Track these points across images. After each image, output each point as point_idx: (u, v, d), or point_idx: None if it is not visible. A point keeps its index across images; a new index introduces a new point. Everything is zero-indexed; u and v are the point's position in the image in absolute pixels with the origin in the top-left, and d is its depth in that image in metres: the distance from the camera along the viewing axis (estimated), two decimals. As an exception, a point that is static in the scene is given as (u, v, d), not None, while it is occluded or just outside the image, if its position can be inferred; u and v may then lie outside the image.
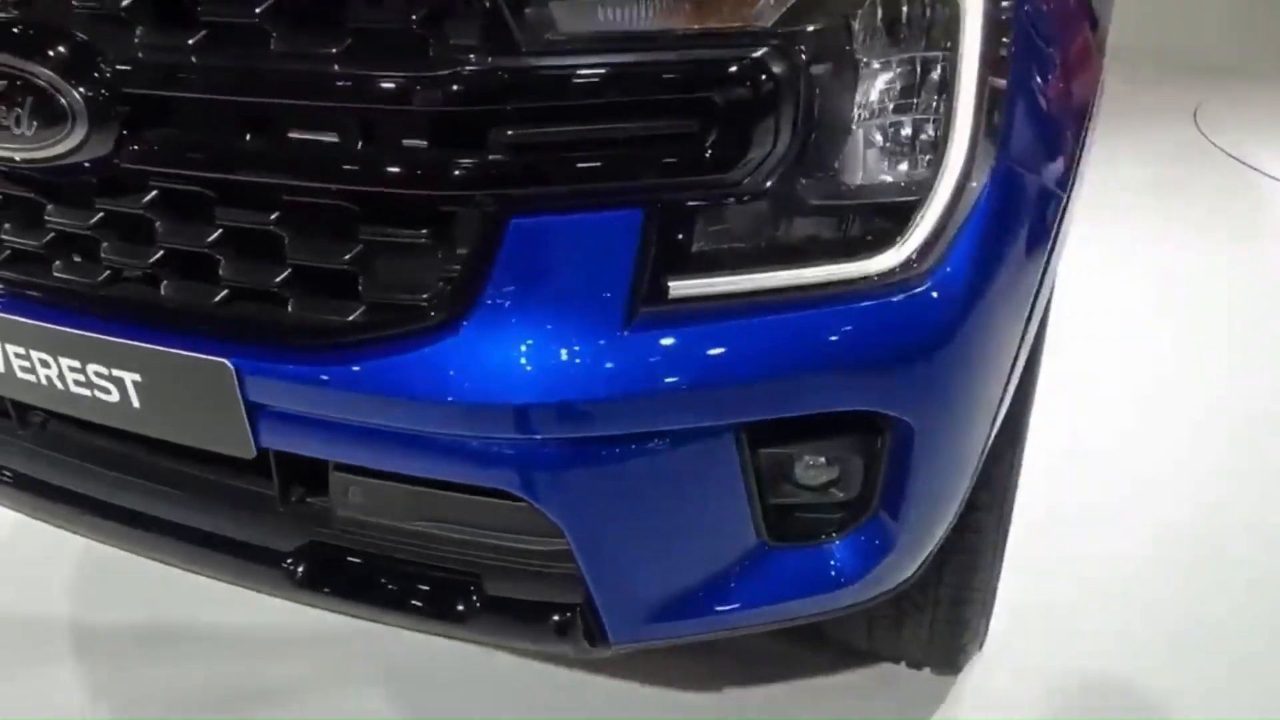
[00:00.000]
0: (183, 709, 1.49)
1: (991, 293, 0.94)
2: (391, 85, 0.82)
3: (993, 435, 1.06)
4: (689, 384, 0.88)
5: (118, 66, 0.89)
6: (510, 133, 0.81)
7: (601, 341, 0.87)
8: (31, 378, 1.03)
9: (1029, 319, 1.04)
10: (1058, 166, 1.01)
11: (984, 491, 1.21)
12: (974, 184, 0.90)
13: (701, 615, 1.01)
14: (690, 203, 0.86)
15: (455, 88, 0.80)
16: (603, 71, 0.81)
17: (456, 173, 0.82)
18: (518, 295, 0.86)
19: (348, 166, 0.86)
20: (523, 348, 0.87)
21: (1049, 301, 1.17)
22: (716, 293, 0.89)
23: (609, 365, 0.87)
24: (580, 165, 0.83)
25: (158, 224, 0.94)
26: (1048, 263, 1.04)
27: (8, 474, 1.17)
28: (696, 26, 0.82)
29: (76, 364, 0.99)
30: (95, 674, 1.57)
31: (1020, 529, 1.43)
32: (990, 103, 0.89)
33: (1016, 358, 1.04)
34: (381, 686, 1.52)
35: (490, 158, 0.82)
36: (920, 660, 1.48)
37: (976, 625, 1.37)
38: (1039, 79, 0.95)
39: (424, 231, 0.88)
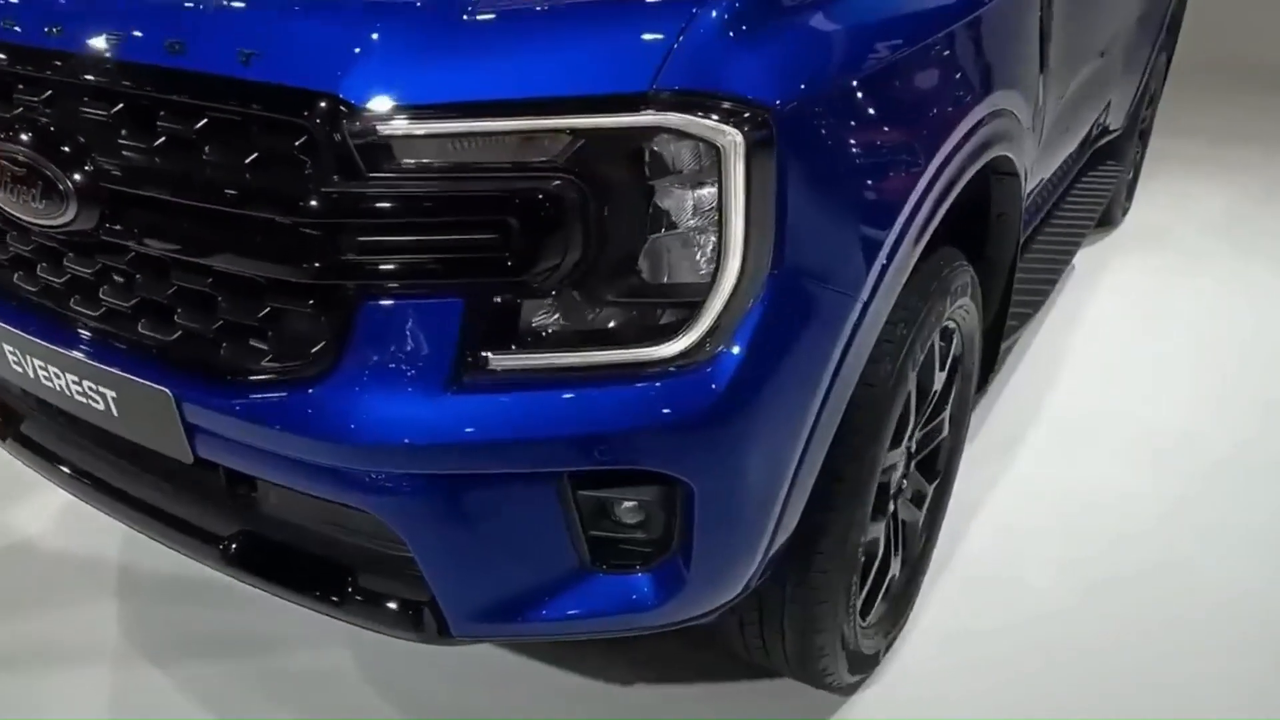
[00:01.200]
0: (199, 649, 1.84)
1: (767, 378, 1.12)
2: (277, 197, 1.07)
3: (789, 495, 1.23)
4: (500, 438, 1.11)
5: (99, 164, 1.18)
6: (357, 238, 1.05)
7: (428, 400, 1.10)
8: (49, 385, 1.35)
9: (827, 394, 1.20)
10: (846, 272, 1.17)
11: (824, 536, 1.38)
12: (749, 288, 1.09)
13: (529, 620, 1.23)
14: (499, 297, 1.08)
15: (315, 203, 1.05)
16: (428, 194, 1.04)
17: (319, 264, 1.07)
18: (368, 359, 1.11)
19: (251, 252, 1.12)
20: (368, 400, 1.11)
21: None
22: (529, 366, 1.11)
23: (433, 419, 1.10)
24: (410, 264, 1.06)
25: (122, 280, 1.23)
26: (847, 348, 1.20)
27: (37, 447, 1.51)
28: (503, 160, 1.04)
29: (75, 379, 1.30)
30: (132, 611, 1.93)
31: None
32: (760, 224, 1.07)
33: (816, 424, 1.21)
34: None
35: (343, 256, 1.06)
36: (794, 677, 1.65)
37: (833, 653, 1.53)
38: (818, 203, 1.12)
39: (309, 303, 1.13)
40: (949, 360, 1.74)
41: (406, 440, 1.10)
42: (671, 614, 1.23)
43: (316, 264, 1.07)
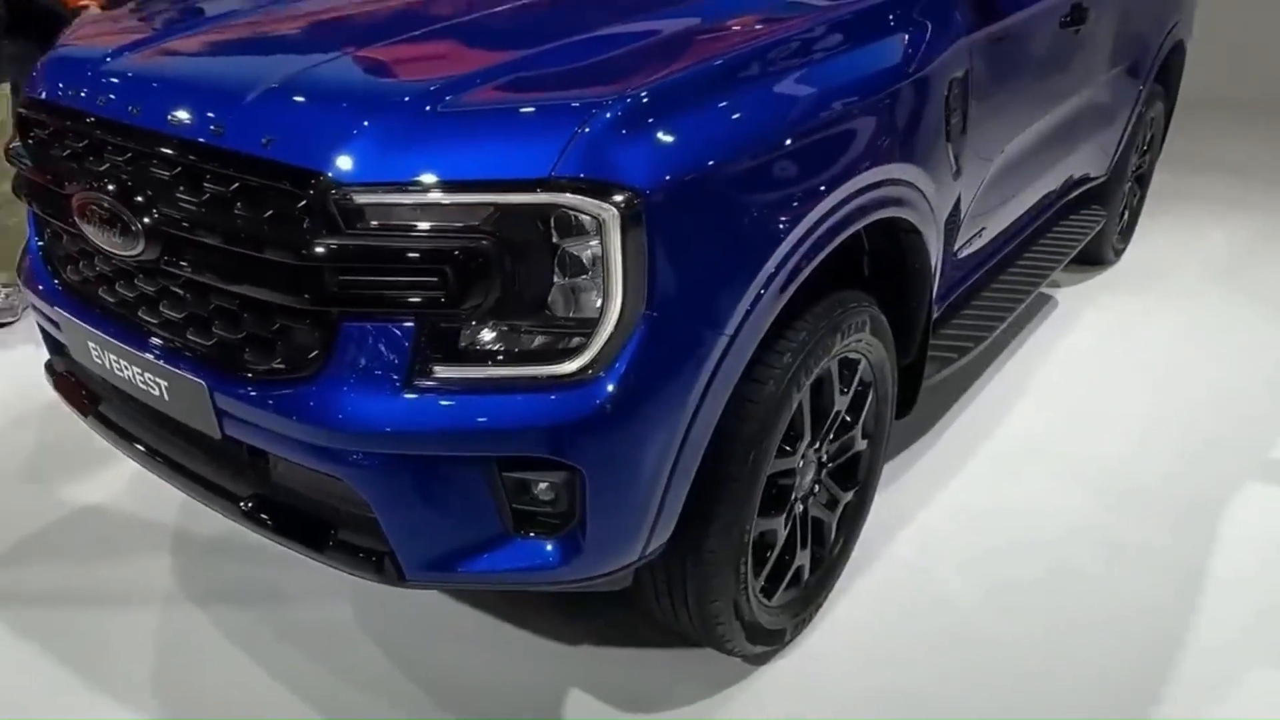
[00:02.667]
0: (231, 597, 2.25)
1: (641, 392, 1.47)
2: (284, 243, 1.46)
3: (668, 486, 1.57)
4: (442, 428, 1.47)
5: (162, 211, 1.59)
6: (339, 276, 1.43)
7: (389, 398, 1.47)
8: (120, 374, 1.77)
9: (697, 408, 1.54)
10: (711, 314, 1.52)
11: (713, 523, 1.72)
12: (628, 324, 1.44)
13: (466, 571, 1.59)
14: (442, 324, 1.45)
15: (306, 251, 1.43)
16: (389, 246, 1.41)
17: (308, 295, 1.45)
18: (346, 365, 1.48)
19: (265, 283, 1.51)
20: (346, 396, 1.48)
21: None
22: (464, 376, 1.47)
23: (392, 413, 1.47)
24: (376, 296, 1.43)
25: (175, 298, 1.64)
26: (715, 372, 1.54)
27: (110, 423, 1.93)
28: (444, 223, 1.40)
29: (139, 370, 1.72)
30: (181, 564, 2.36)
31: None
32: (634, 277, 1.42)
33: (689, 431, 1.55)
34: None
35: (327, 289, 1.44)
36: (701, 642, 1.98)
37: (728, 623, 1.86)
38: (685, 261, 1.47)
39: (306, 322, 1.52)
40: (853, 386, 2.05)
41: (373, 427, 1.47)
42: (572, 573, 1.58)
43: (309, 294, 1.45)
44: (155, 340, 1.70)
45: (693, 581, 1.79)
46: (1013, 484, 2.72)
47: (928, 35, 2.03)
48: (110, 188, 1.65)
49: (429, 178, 1.40)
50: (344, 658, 2.10)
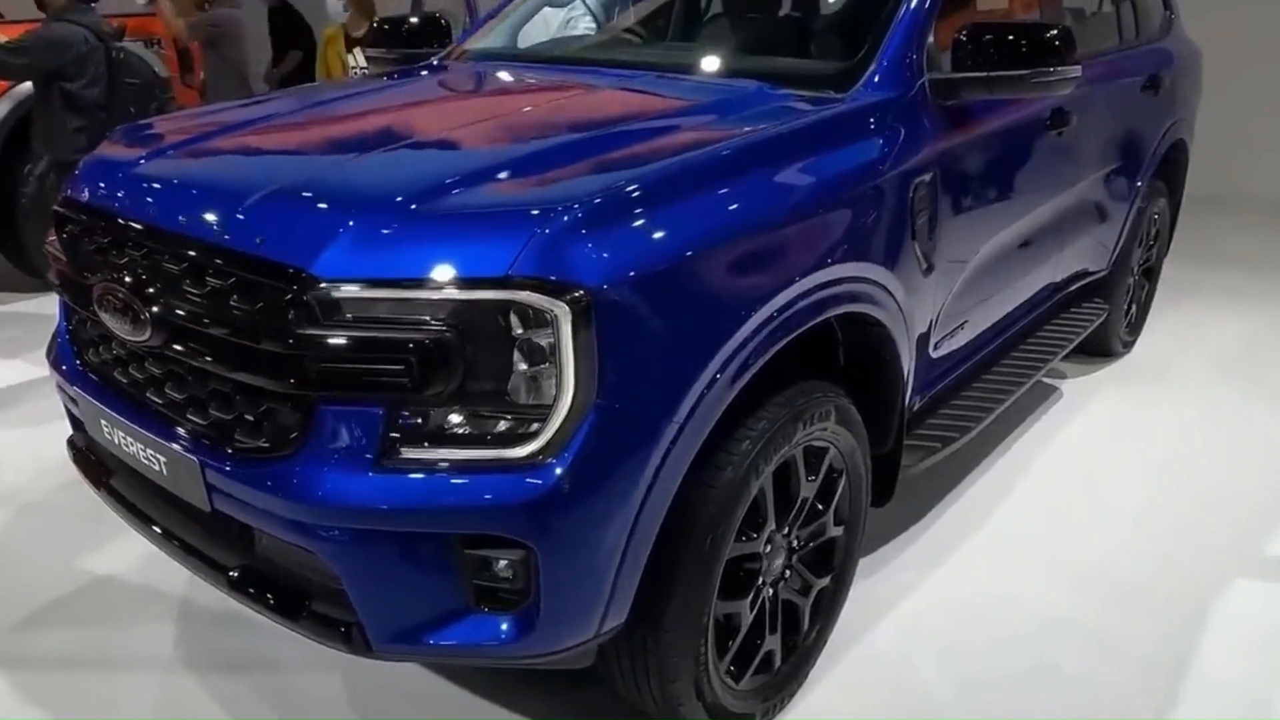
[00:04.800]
0: (227, 665, 2.35)
1: (591, 476, 1.57)
2: (271, 333, 1.60)
3: (620, 566, 1.65)
4: (407, 506, 1.58)
5: (169, 303, 1.75)
6: (317, 364, 1.57)
7: (360, 476, 1.59)
8: (129, 450, 1.91)
9: (648, 492, 1.63)
10: (660, 403, 1.62)
11: (672, 604, 1.79)
12: (579, 412, 1.55)
13: (429, 644, 1.67)
14: (409, 409, 1.57)
15: (289, 339, 1.57)
16: (361, 337, 1.54)
17: (289, 380, 1.59)
18: (322, 445, 1.61)
19: (254, 369, 1.65)
20: (322, 473, 1.60)
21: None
22: (427, 458, 1.58)
23: (362, 490, 1.58)
24: (349, 382, 1.56)
25: (176, 381, 1.79)
26: (665, 458, 1.64)
27: (119, 496, 2.07)
28: (412, 317, 1.53)
29: (142, 447, 1.86)
30: (184, 632, 2.47)
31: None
32: (585, 368, 1.53)
33: (640, 513, 1.63)
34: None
35: (306, 374, 1.57)
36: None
37: (689, 703, 1.91)
38: (634, 354, 1.58)
39: (289, 405, 1.65)
40: (821, 473, 2.12)
41: (343, 503, 1.59)
42: (527, 648, 1.66)
43: (290, 379, 1.59)
44: (157, 419, 1.84)
45: (654, 661, 1.85)
46: (998, 575, 2.74)
47: (889, 143, 2.16)
48: (126, 279, 1.82)
49: (400, 275, 1.54)
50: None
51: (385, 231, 1.58)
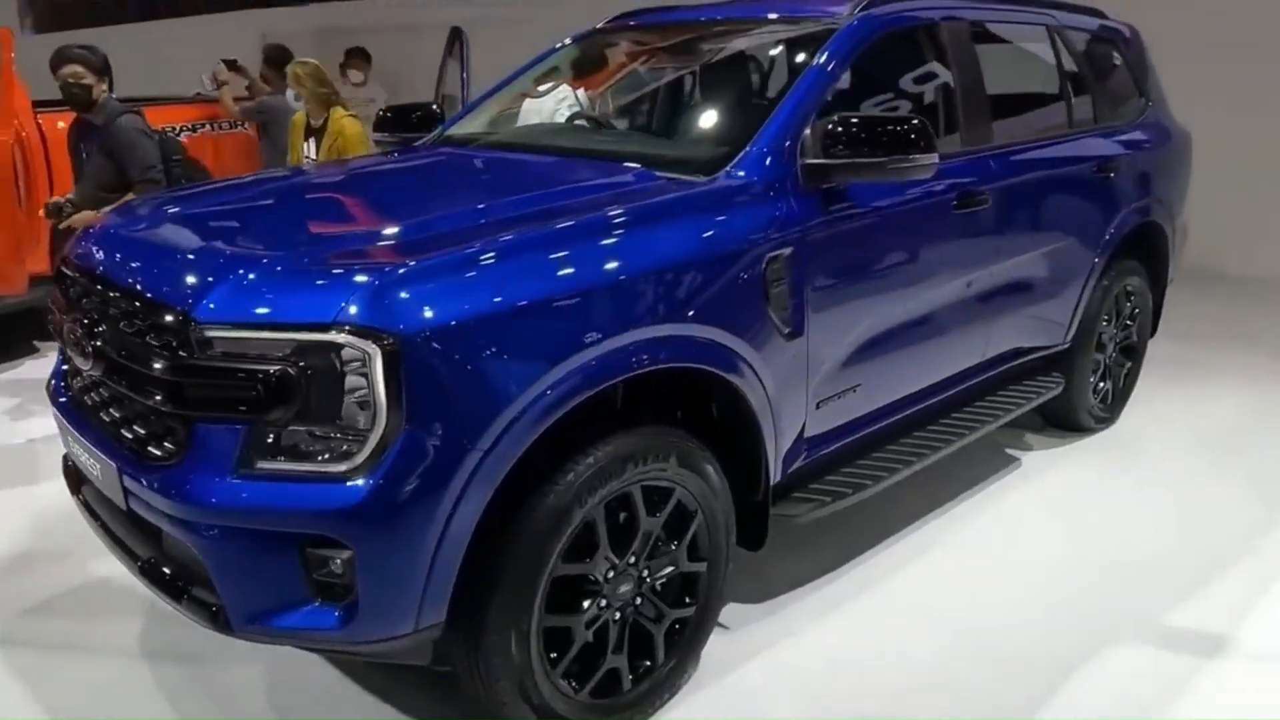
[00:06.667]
0: (167, 655, 2.74)
1: (399, 491, 1.89)
2: (162, 363, 2.01)
3: (431, 570, 1.95)
4: (258, 507, 1.93)
5: (106, 341, 2.19)
6: (192, 390, 1.96)
7: (223, 482, 1.95)
8: (83, 460, 2.35)
9: (454, 508, 1.93)
10: (466, 432, 1.93)
11: (490, 610, 2.07)
12: (390, 435, 1.88)
13: (275, 628, 2.00)
14: (261, 427, 1.93)
15: (174, 368, 1.97)
16: (224, 367, 1.93)
17: (174, 402, 1.98)
18: (197, 454, 1.98)
19: (152, 393, 2.05)
20: (194, 479, 1.98)
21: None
22: (275, 468, 1.94)
23: (220, 494, 1.95)
24: (215, 405, 1.94)
25: (111, 402, 2.22)
26: (470, 480, 1.94)
27: (88, 505, 2.50)
28: (262, 353, 1.91)
29: (89, 458, 2.29)
30: (144, 627, 2.87)
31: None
32: (394, 399, 1.87)
33: (448, 526, 1.94)
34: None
35: (184, 396, 1.96)
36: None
37: (513, 703, 2.17)
38: (442, 388, 1.90)
39: (179, 421, 2.04)
40: (666, 511, 2.37)
41: (208, 503, 1.95)
42: (352, 635, 1.97)
43: (173, 402, 1.99)
44: (99, 434, 2.28)
45: (480, 661, 2.13)
46: (883, 631, 2.85)
47: (741, 220, 2.45)
48: (84, 320, 2.27)
49: (256, 320, 1.93)
50: (245, 712, 2.53)
51: (248, 284, 1.98)
